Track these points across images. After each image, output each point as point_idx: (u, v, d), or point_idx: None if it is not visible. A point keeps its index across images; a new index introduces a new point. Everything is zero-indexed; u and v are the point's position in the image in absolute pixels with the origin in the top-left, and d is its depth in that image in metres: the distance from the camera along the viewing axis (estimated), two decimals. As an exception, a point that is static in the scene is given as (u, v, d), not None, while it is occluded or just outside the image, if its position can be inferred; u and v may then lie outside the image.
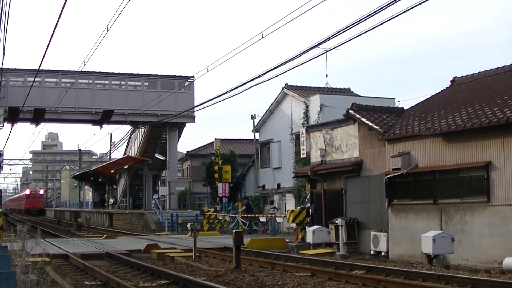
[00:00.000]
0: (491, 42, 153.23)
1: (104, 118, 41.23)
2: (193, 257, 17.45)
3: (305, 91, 36.28)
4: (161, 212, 36.85)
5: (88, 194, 76.11)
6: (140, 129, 45.97)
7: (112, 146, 60.52)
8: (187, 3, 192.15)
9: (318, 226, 21.56)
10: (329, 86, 37.93)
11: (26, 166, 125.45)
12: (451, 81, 23.06)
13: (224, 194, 34.85)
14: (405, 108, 22.69)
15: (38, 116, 40.09)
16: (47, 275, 12.57)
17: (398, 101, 39.36)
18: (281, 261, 16.67)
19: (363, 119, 20.88)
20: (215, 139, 37.40)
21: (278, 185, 37.56)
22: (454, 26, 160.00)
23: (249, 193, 42.14)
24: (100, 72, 42.54)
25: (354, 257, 18.82)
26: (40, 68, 23.38)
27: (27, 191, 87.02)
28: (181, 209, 41.18)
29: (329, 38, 14.86)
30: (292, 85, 37.10)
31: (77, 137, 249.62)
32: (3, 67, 25.62)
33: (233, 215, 32.36)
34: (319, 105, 33.07)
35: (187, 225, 20.16)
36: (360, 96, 35.72)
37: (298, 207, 25.14)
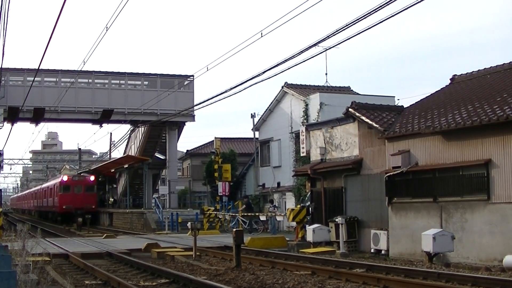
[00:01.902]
0: (491, 40, 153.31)
1: (103, 117, 41.26)
2: (194, 256, 17.45)
3: (304, 90, 36.29)
4: (161, 211, 36.85)
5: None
6: (140, 128, 45.96)
7: (112, 145, 60.47)
8: (186, 2, 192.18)
9: (318, 224, 21.57)
10: (328, 85, 37.99)
11: (26, 165, 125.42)
12: (450, 79, 23.06)
13: (224, 193, 34.86)
14: (404, 106, 22.70)
15: (38, 116, 40.12)
16: (48, 274, 12.57)
17: (398, 99, 39.56)
18: (281, 260, 16.68)
19: (363, 118, 20.88)
20: (215, 138, 37.44)
21: (278, 183, 37.56)
22: (454, 24, 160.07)
23: (249, 191, 42.16)
24: (100, 72, 42.56)
25: (354, 256, 18.82)
26: (40, 68, 23.38)
27: (64, 177, 49.16)
28: (181, 208, 41.20)
29: (328, 37, 14.87)
30: (291, 84, 37.12)
31: (77, 136, 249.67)
32: (2, 66, 25.61)
33: (233, 214, 32.37)
34: (319, 104, 33.09)
35: (187, 224, 20.15)
36: (359, 94, 35.74)
37: (298, 206, 25.18)
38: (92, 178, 49.12)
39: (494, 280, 11.69)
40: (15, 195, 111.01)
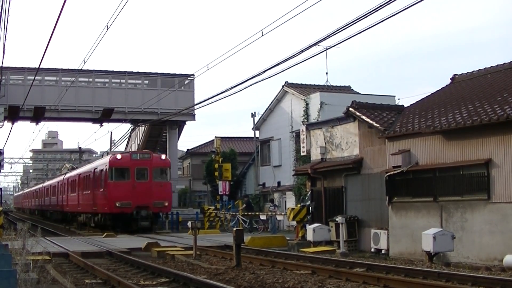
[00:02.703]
0: (491, 40, 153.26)
1: (104, 116, 41.23)
2: (194, 255, 17.45)
3: (305, 89, 36.27)
4: (162, 210, 36.72)
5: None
6: (140, 127, 45.95)
7: (112, 144, 60.41)
8: (186, 2, 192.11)
9: (319, 224, 21.57)
10: (329, 84, 37.96)
11: (27, 164, 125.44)
12: (451, 79, 23.05)
13: (224, 192, 34.85)
14: (405, 105, 22.69)
15: (38, 115, 40.08)
16: (48, 273, 12.58)
17: (398, 99, 39.43)
18: (281, 259, 16.68)
19: (363, 117, 20.87)
20: (215, 137, 37.43)
21: (278, 183, 37.55)
22: (454, 24, 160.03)
23: (249, 191, 42.14)
24: (100, 71, 42.54)
25: (354, 255, 18.83)
26: (40, 67, 23.34)
27: (118, 156, 31.01)
28: (182, 207, 41.19)
29: (329, 36, 14.85)
30: (292, 83, 37.09)
31: (77, 135, 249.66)
32: (3, 65, 25.58)
33: (234, 213, 32.37)
34: (319, 103, 33.06)
35: (188, 223, 20.16)
36: (360, 93, 35.70)
37: (299, 205, 25.18)
38: (163, 156, 32.55)
39: (494, 280, 11.69)
40: (20, 192, 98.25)
